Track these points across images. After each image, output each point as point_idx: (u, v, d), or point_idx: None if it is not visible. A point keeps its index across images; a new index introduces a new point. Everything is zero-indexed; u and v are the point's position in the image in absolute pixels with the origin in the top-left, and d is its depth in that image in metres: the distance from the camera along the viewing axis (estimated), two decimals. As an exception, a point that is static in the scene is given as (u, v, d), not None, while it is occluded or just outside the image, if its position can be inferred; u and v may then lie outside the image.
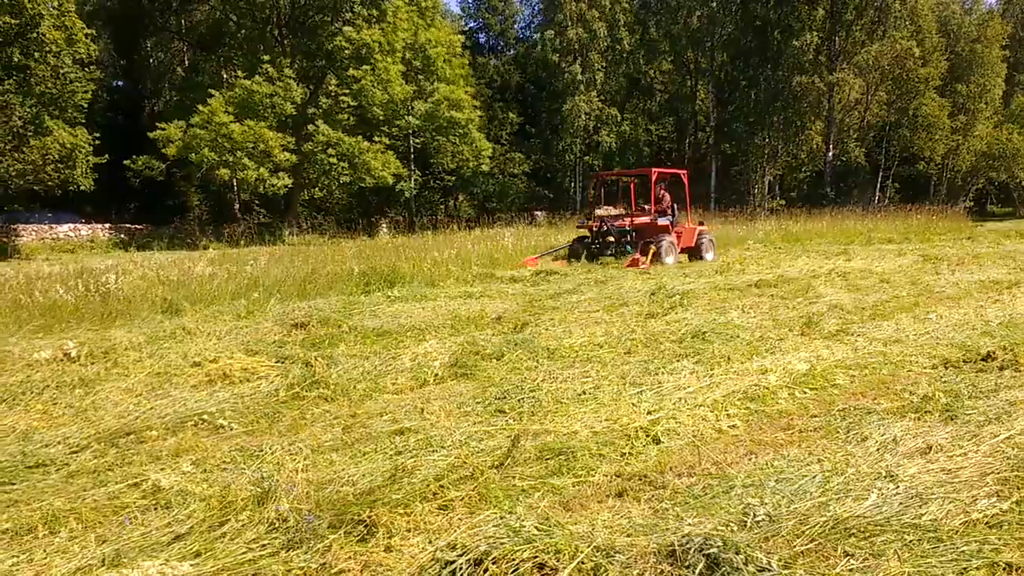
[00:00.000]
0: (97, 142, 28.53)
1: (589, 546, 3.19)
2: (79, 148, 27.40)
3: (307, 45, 35.45)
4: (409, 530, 3.72)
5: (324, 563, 3.45)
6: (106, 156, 29.18)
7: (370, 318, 10.22)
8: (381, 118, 34.25)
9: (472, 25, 56.31)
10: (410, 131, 37.57)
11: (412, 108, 36.06)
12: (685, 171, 20.01)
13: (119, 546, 3.54)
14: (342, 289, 13.58)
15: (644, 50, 49.38)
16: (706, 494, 4.06)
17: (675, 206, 18.58)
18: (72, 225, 32.66)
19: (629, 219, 18.08)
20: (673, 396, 5.86)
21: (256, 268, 15.28)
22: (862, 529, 3.53)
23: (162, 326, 9.87)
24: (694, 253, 18.67)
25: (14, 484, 4.53)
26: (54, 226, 31.87)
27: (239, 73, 32.43)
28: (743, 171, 48.17)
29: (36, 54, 25.17)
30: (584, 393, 6.07)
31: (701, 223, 19.77)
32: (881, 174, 48.72)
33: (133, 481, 4.42)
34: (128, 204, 40.12)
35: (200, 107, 30.29)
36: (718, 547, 3.10)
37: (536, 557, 3.11)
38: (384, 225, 38.87)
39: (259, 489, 4.02)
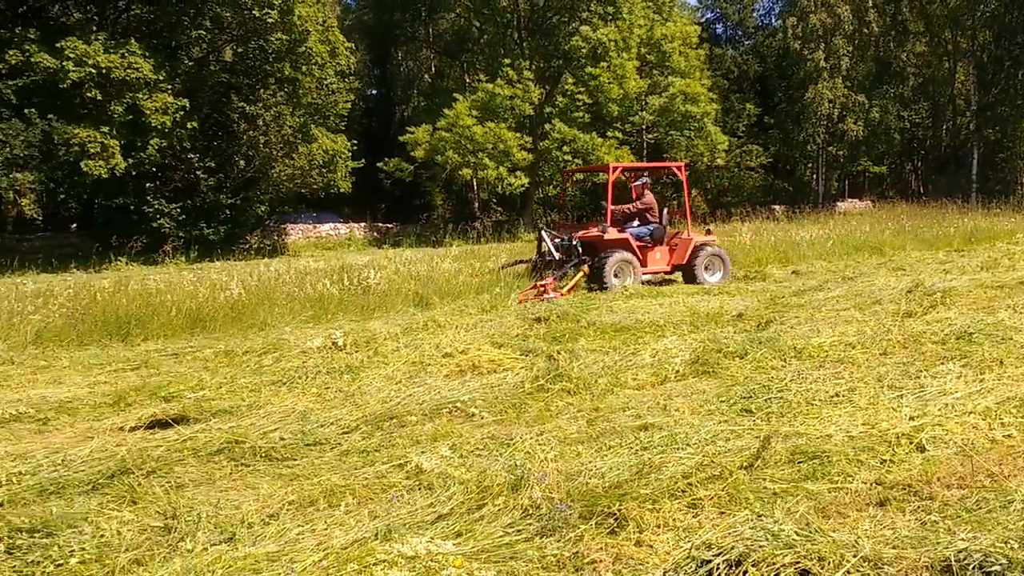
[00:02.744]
0: (355, 147, 30.86)
1: (856, 555, 3.06)
2: (340, 153, 29.73)
3: (544, 46, 36.25)
4: (658, 526, 3.73)
5: (576, 552, 3.54)
6: (362, 160, 31.46)
7: (607, 313, 10.32)
8: (615, 114, 34.38)
9: (709, 16, 55.13)
10: (644, 126, 37.42)
11: (646, 103, 35.89)
12: (681, 165, 15.86)
13: (389, 522, 3.82)
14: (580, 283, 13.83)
15: (895, 32, 46.12)
16: (981, 507, 3.77)
17: (664, 212, 14.64)
18: (333, 224, 35.42)
19: (576, 232, 14.36)
20: (938, 401, 5.46)
21: (496, 264, 15.88)
22: None
23: (414, 318, 10.51)
24: (687, 272, 14.07)
25: (296, 460, 5.02)
26: (317, 225, 34.73)
27: (481, 77, 33.75)
28: (1009, 158, 43.76)
29: (304, 67, 27.53)
30: (837, 395, 5.80)
31: (708, 232, 15.35)
32: None
33: (398, 462, 4.75)
34: (380, 204, 42.95)
35: (446, 111, 31.83)
36: (1001, 565, 2.86)
37: (798, 563, 3.03)
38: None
39: (513, 476, 4.19)
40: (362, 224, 36.20)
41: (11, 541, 3.61)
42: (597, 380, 6.63)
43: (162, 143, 24.40)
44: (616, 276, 13.14)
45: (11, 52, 22.59)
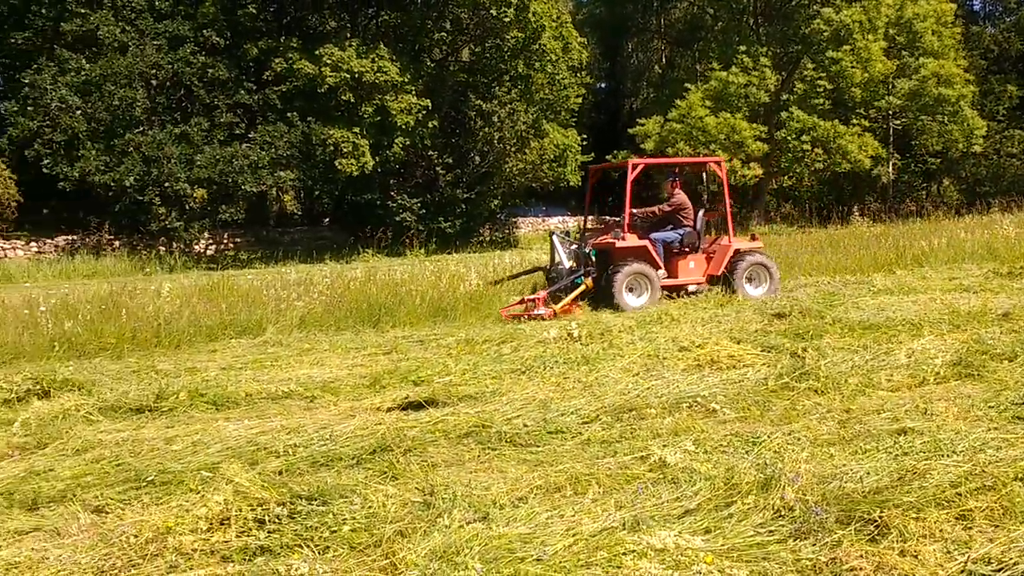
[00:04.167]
0: (584, 142, 31.23)
1: None
2: (570, 148, 30.21)
3: (782, 31, 34.87)
4: (924, 536, 3.49)
5: (834, 558, 3.39)
6: (592, 154, 31.74)
7: (853, 310, 9.79)
8: (859, 100, 32.47)
9: (967, -10, 50.66)
10: (890, 111, 35.05)
11: (893, 87, 33.58)
12: (720, 160, 13.29)
13: (635, 513, 3.83)
14: (817, 279, 13.26)
15: None
16: None
17: (700, 214, 12.32)
18: (560, 218, 36.00)
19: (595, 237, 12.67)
20: None
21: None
22: None
23: (647, 311, 10.48)
24: (726, 284, 11.83)
25: (538, 446, 5.15)
26: (546, 219, 35.45)
27: (714, 65, 32.98)
28: None
29: (537, 64, 28.19)
30: None
31: (753, 238, 12.92)
32: None
33: (639, 454, 4.76)
34: (607, 198, 43.07)
35: (677, 102, 31.41)
36: None
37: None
38: (856, 212, 36.81)
39: (762, 475, 4.07)
40: (590, 217, 36.43)
41: (292, 506, 3.97)
42: (847, 380, 6.29)
43: (406, 141, 25.85)
44: (630, 291, 11.34)
45: (276, 60, 24.80)
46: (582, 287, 11.37)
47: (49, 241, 24.55)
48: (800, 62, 34.79)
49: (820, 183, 40.04)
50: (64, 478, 4.73)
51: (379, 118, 25.11)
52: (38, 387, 6.82)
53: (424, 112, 25.73)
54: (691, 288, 11.97)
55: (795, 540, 3.55)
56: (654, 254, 11.65)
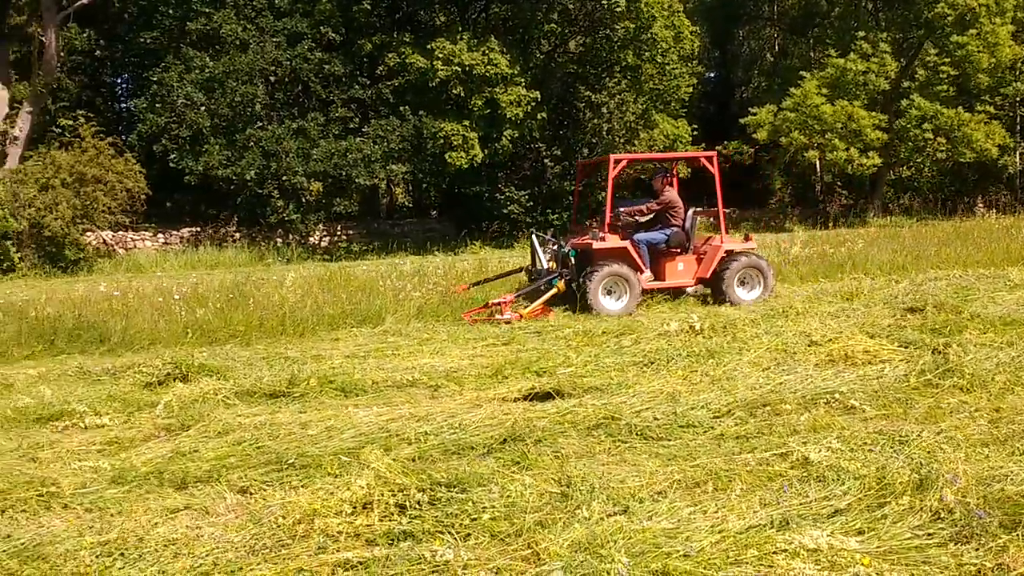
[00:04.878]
0: (695, 132, 30.66)
1: None
2: (680, 139, 29.72)
3: (903, 15, 33.41)
4: (1100, 545, 3.27)
5: (1000, 564, 3.21)
6: (702, 145, 31.14)
7: (991, 305, 9.35)
8: (984, 86, 30.86)
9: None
10: (1018, 98, 33.21)
11: (1021, 73, 31.80)
12: (712, 155, 12.24)
13: (783, 511, 3.71)
14: (947, 273, 12.69)
15: None
16: None
17: (691, 214, 11.51)
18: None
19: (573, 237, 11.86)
20: None
21: (852, 250, 15.02)
22: None
23: (768, 303, 10.23)
24: (714, 287, 11.20)
25: (670, 440, 5.05)
26: (653, 211, 35.02)
27: (831, 52, 31.87)
28: None
29: (647, 54, 27.81)
30: None
31: (747, 237, 11.90)
32: None
33: (778, 451, 4.61)
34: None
35: (791, 90, 30.50)
36: None
37: None
38: (981, 204, 35.05)
39: (917, 475, 3.89)
40: (698, 208, 35.79)
41: (432, 493, 4.00)
42: (993, 377, 5.97)
43: (514, 134, 25.90)
44: (609, 294, 10.63)
45: (389, 55, 25.23)
46: (553, 291, 10.81)
47: (175, 232, 25.66)
48: (922, 48, 33.28)
49: (941, 173, 38.27)
50: (208, 459, 4.90)
51: (488, 111, 25.24)
52: (177, 371, 7.12)
53: (533, 104, 25.72)
54: (689, 290, 11.59)
55: (956, 544, 3.38)
56: (635, 255, 10.97)
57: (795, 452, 4.50)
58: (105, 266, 22.32)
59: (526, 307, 10.54)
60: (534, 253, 11.75)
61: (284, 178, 24.00)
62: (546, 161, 28.16)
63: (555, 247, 11.82)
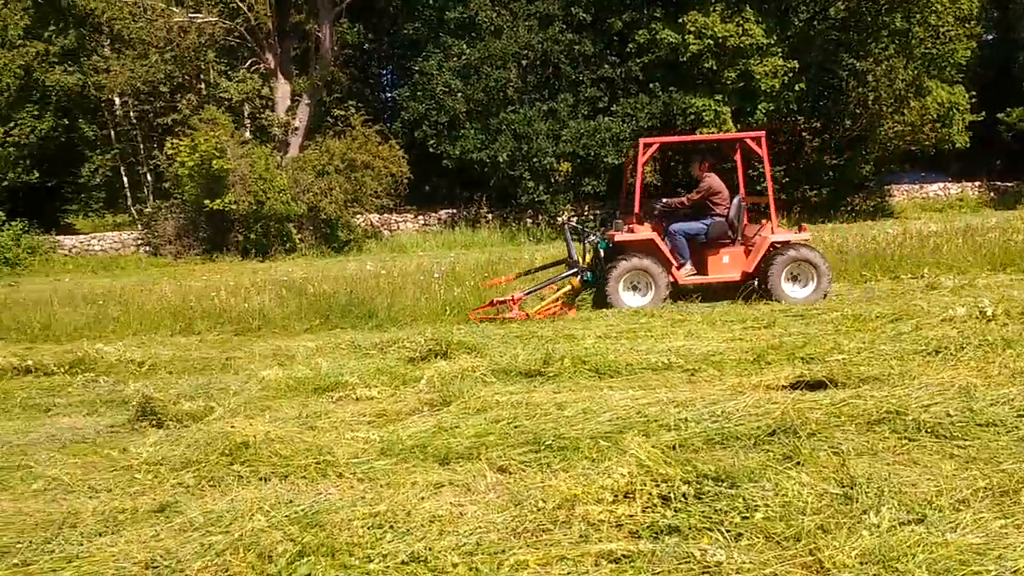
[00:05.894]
0: (974, 99, 27.81)
1: None
2: (957, 106, 27.06)
3: None
4: None
5: None
6: (982, 113, 28.21)
7: None
8: None
9: None
10: None
11: None
12: (760, 135, 10.62)
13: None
14: None
15: None
16: None
17: (737, 201, 10.25)
18: (941, 184, 32.49)
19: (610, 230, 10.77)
20: None
21: None
22: None
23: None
24: (760, 283, 9.96)
25: (967, 440, 4.46)
26: (924, 185, 32.19)
27: None
28: None
29: (917, 16, 25.51)
30: None
31: (800, 228, 10.63)
32: None
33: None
34: (995, 160, 38.11)
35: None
36: None
37: None
38: None
39: None
40: (975, 183, 32.53)
41: (698, 486, 3.75)
42: None
43: (769, 107, 24.74)
44: (634, 289, 9.93)
45: (639, 32, 24.88)
46: (567, 287, 10.17)
47: (433, 215, 26.95)
48: None
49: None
50: (468, 435, 4.94)
51: (742, 84, 24.27)
52: (439, 347, 7.33)
53: (790, 75, 24.40)
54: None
55: None
56: (663, 248, 10.12)
57: None
58: (372, 246, 23.91)
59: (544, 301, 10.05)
60: (568, 245, 10.91)
61: (535, 159, 24.43)
62: (804, 134, 26.70)
63: (591, 239, 11.16)
